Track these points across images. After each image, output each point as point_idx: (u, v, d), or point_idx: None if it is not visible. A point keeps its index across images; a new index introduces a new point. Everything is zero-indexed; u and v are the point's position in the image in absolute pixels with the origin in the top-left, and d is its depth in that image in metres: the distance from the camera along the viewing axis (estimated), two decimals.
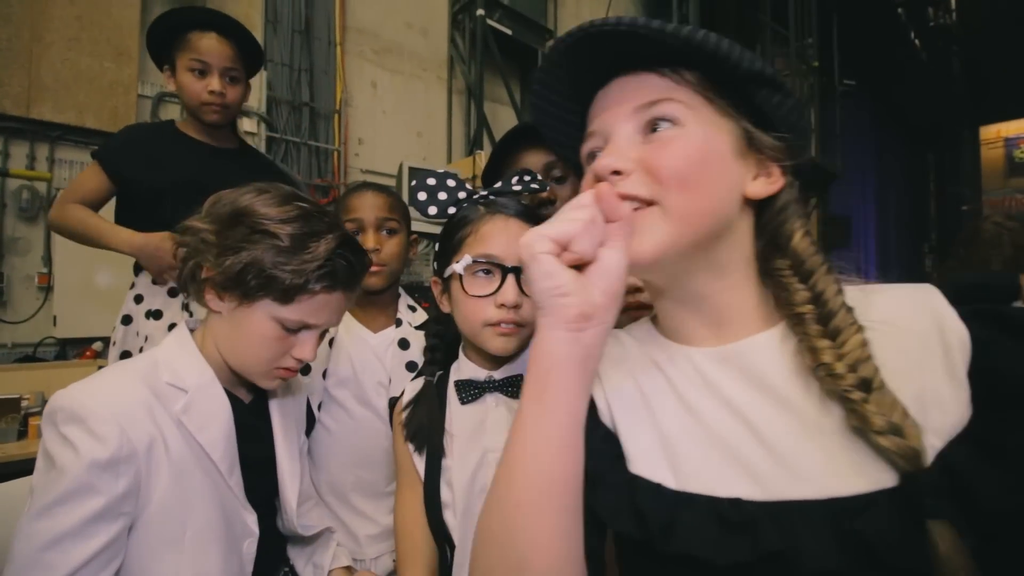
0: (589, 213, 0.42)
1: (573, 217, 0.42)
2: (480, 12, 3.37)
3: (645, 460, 0.50)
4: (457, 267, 0.77)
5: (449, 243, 0.82)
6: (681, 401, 0.50)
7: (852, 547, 0.39)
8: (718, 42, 0.44)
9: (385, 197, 1.14)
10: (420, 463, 0.84)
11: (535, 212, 0.83)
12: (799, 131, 0.50)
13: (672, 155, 0.46)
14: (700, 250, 0.48)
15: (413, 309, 1.22)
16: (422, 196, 0.83)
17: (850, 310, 0.46)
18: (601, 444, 0.52)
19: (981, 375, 0.42)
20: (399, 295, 1.21)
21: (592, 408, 0.53)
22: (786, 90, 0.48)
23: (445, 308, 0.85)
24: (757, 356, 0.48)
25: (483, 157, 3.09)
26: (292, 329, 0.77)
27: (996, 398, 0.41)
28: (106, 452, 0.63)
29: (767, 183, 0.49)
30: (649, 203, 0.46)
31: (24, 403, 1.76)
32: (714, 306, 0.51)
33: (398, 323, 1.16)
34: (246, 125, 2.64)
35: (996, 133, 9.31)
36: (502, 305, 0.75)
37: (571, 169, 1.16)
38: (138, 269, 1.36)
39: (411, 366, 1.12)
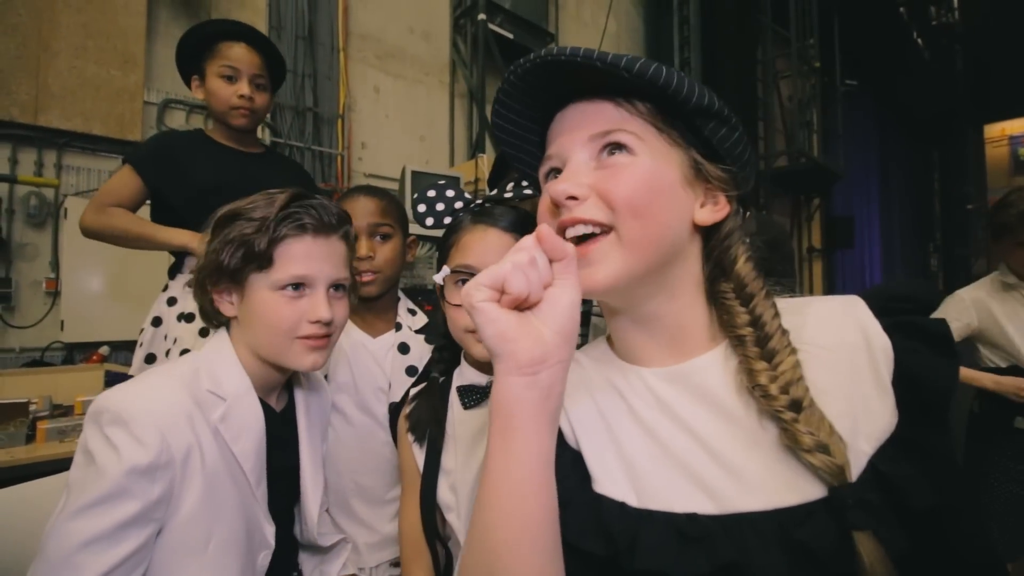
0: (527, 255, 0.42)
1: (505, 259, 0.42)
2: (482, 17, 3.39)
3: (609, 480, 0.51)
4: (437, 278, 0.80)
5: (442, 252, 0.85)
6: (638, 421, 0.52)
7: (798, 556, 0.42)
8: (668, 77, 0.46)
9: (377, 201, 1.13)
10: (421, 458, 0.85)
11: (526, 222, 0.84)
12: (744, 163, 0.53)
13: (623, 183, 0.48)
14: (653, 274, 0.50)
15: (413, 313, 1.21)
16: (421, 208, 0.85)
17: (785, 333, 0.48)
18: (569, 468, 0.53)
19: (903, 383, 0.45)
20: (398, 299, 1.21)
21: (559, 432, 0.54)
22: (732, 124, 0.50)
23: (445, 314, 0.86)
24: (704, 375, 0.51)
25: (485, 161, 3.10)
26: (292, 292, 0.77)
27: (917, 404, 0.44)
28: (147, 457, 0.64)
29: (713, 210, 0.52)
30: (604, 228, 0.48)
31: (32, 407, 1.78)
32: (667, 327, 0.53)
33: (397, 327, 1.16)
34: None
35: (1000, 131, 9.27)
36: None
37: None
38: (174, 272, 1.39)
39: (411, 370, 1.12)
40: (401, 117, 3.38)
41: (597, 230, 0.49)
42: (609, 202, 0.48)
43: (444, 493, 0.81)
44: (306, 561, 0.93)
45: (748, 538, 0.43)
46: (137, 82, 2.35)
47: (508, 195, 0.84)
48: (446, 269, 0.79)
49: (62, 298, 2.21)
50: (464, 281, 0.79)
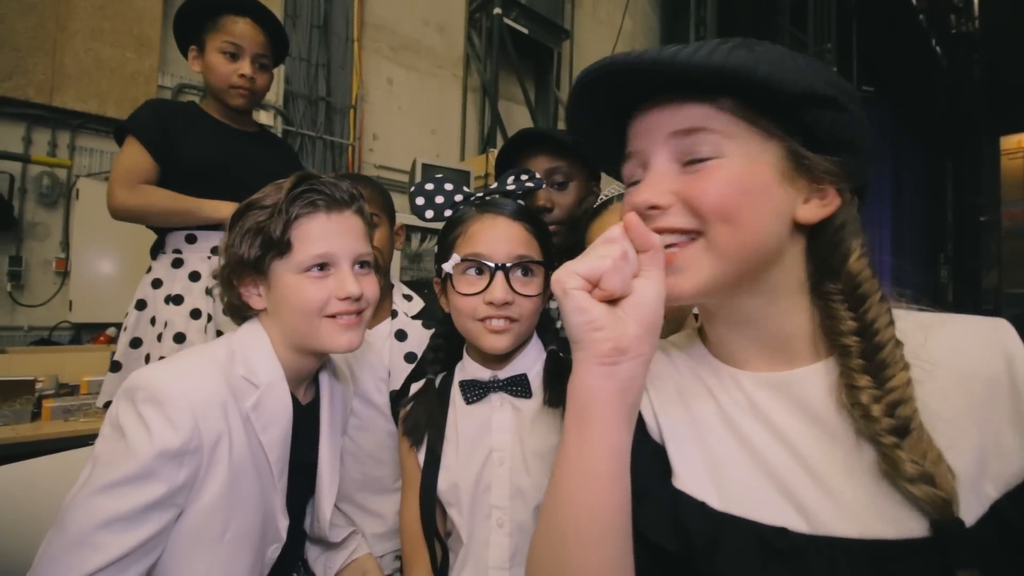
0: (619, 248, 0.41)
1: (602, 253, 0.41)
2: (497, 11, 3.37)
3: (690, 477, 0.50)
4: (447, 266, 0.79)
5: (444, 244, 0.83)
6: (729, 426, 0.50)
7: None
8: (754, 67, 0.41)
9: (362, 190, 1.12)
10: (421, 455, 0.84)
11: (530, 212, 0.84)
12: (856, 148, 0.46)
13: (711, 188, 0.44)
14: (747, 280, 0.46)
15: (409, 298, 1.21)
16: (420, 201, 0.84)
17: (899, 344, 0.43)
18: (649, 459, 0.52)
19: None
20: (392, 286, 1.19)
21: (641, 423, 0.54)
22: (841, 104, 0.44)
23: (446, 308, 0.85)
24: (807, 386, 0.47)
25: (496, 156, 3.09)
26: (318, 272, 0.76)
27: None
28: (177, 441, 0.63)
29: (819, 206, 0.46)
30: (692, 233, 0.45)
31: (38, 385, 1.80)
32: (766, 332, 0.49)
33: (393, 315, 1.15)
34: (263, 118, 2.66)
35: (1017, 143, 9.15)
36: (491, 303, 0.76)
37: (576, 174, 1.16)
38: (156, 252, 1.34)
39: (410, 357, 1.11)
40: (413, 109, 3.38)
41: (685, 238, 0.46)
42: (696, 210, 0.45)
43: (445, 489, 0.81)
44: (310, 550, 0.93)
45: (840, 564, 0.40)
46: (152, 66, 2.36)
47: (511, 188, 0.84)
48: (456, 257, 0.78)
49: (71, 278, 2.22)
50: (477, 270, 0.78)
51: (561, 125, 3.98)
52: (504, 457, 0.79)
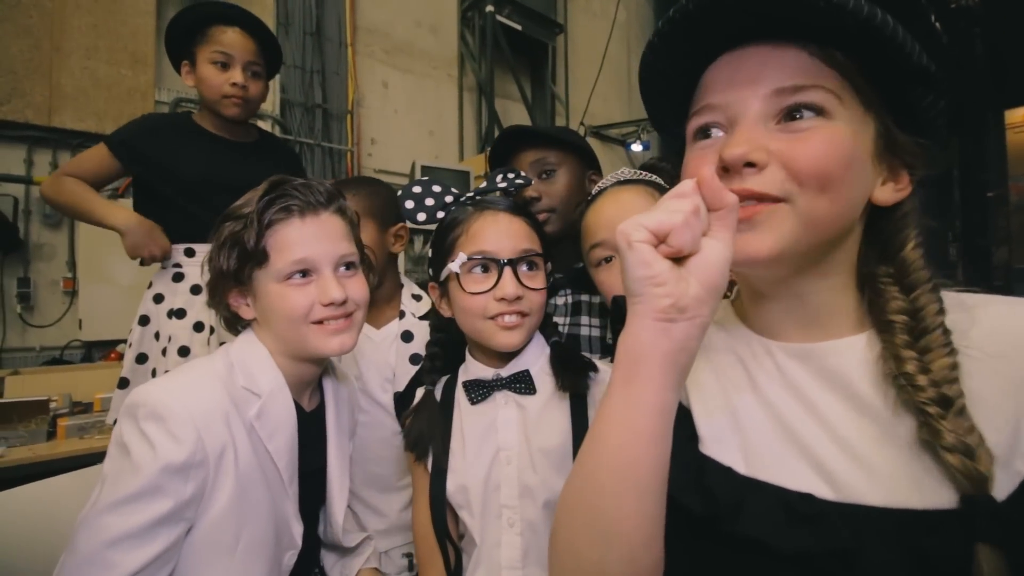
0: (691, 203, 0.38)
1: (674, 208, 0.38)
2: (489, 8, 3.36)
3: (716, 443, 0.50)
4: (453, 266, 0.78)
5: (442, 246, 0.83)
6: (758, 394, 0.49)
7: (915, 561, 0.39)
8: (895, 27, 0.38)
9: (347, 192, 1.13)
10: (429, 459, 0.84)
11: (525, 207, 0.84)
12: (940, 136, 0.46)
13: (817, 151, 0.41)
14: (816, 251, 0.45)
15: (418, 298, 1.20)
16: (409, 204, 0.83)
17: (947, 332, 0.43)
18: (678, 424, 0.50)
19: None
20: (401, 285, 1.19)
21: None
22: (941, 90, 0.42)
23: (445, 313, 0.85)
24: (840, 358, 0.46)
25: None
26: (300, 279, 0.75)
27: None
28: (181, 455, 0.63)
29: (895, 190, 0.45)
30: (780, 200, 0.42)
31: (52, 405, 1.81)
32: (809, 304, 0.48)
33: (401, 315, 1.15)
34: (261, 127, 2.66)
35: (1022, 116, 9.03)
36: (502, 299, 0.76)
37: (564, 162, 1.17)
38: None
39: (415, 358, 1.12)
40: (410, 112, 3.37)
41: (768, 203, 0.43)
42: (795, 172, 0.41)
43: (454, 492, 0.81)
44: (327, 557, 0.93)
45: (864, 530, 0.40)
46: (148, 81, 2.37)
47: (502, 186, 0.84)
48: (462, 256, 0.77)
49: (79, 297, 2.24)
50: (483, 268, 0.78)
51: (559, 120, 3.97)
52: (511, 456, 0.79)
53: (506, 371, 0.82)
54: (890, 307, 0.44)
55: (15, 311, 2.16)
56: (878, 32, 0.39)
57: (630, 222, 0.39)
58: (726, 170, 0.43)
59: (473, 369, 0.85)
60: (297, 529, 0.78)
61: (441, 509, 0.81)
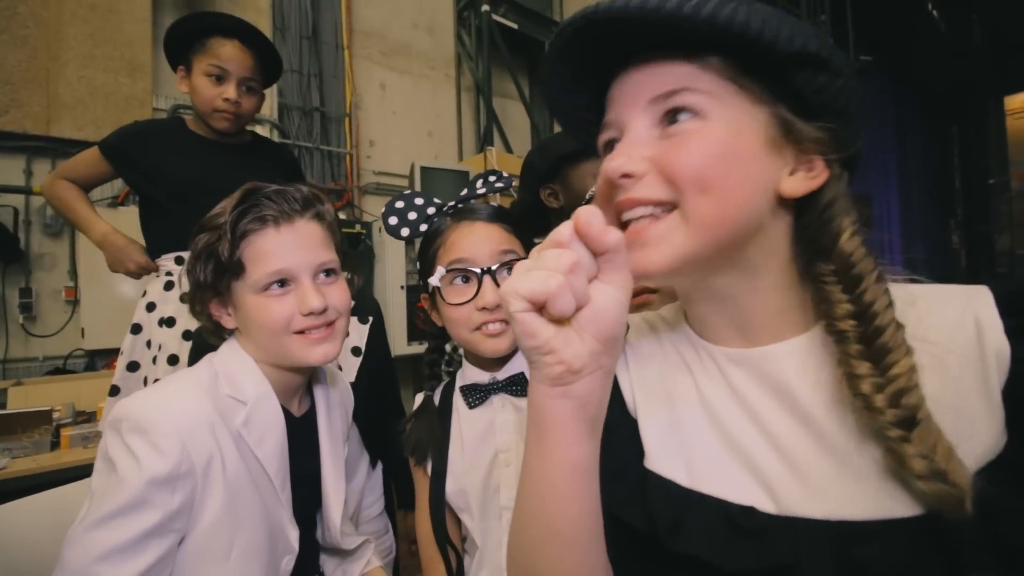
0: (568, 258, 0.35)
1: (551, 266, 0.35)
2: (485, 8, 3.35)
3: (660, 456, 0.49)
4: (433, 280, 0.78)
5: (425, 259, 0.83)
6: (704, 403, 0.48)
7: (849, 573, 0.38)
8: (746, 21, 0.38)
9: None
10: (429, 464, 0.85)
11: (506, 212, 0.83)
12: (848, 116, 0.43)
13: (690, 153, 0.41)
14: (723, 256, 0.43)
15: None
16: (393, 221, 0.82)
17: (900, 328, 0.40)
18: (627, 441, 0.51)
19: (1015, 400, 0.37)
20: None
21: (621, 401, 0.53)
22: (834, 68, 0.41)
23: (438, 323, 0.85)
24: (780, 364, 0.45)
25: (494, 154, 3.08)
26: (278, 289, 0.74)
27: None
28: (166, 467, 0.63)
29: (806, 179, 0.43)
30: (667, 206, 0.42)
31: (56, 414, 1.81)
32: (742, 308, 0.46)
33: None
34: (259, 133, 2.66)
35: (1022, 102, 8.99)
36: (484, 308, 0.76)
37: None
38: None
39: (355, 351, 1.19)
40: (408, 113, 3.37)
41: (659, 210, 0.42)
42: (671, 178, 0.41)
43: (454, 495, 0.81)
44: (327, 562, 0.93)
45: (803, 544, 0.40)
46: (145, 89, 2.37)
47: (481, 192, 0.83)
48: (441, 270, 0.78)
49: (81, 306, 2.24)
50: (464, 279, 0.78)
51: None
52: (510, 458, 0.79)
53: (502, 374, 0.83)
54: (836, 312, 0.42)
55: (17, 321, 2.15)
56: (728, 32, 0.38)
57: (508, 289, 0.37)
58: (613, 186, 0.44)
59: (470, 374, 0.86)
60: (293, 534, 0.77)
61: (441, 512, 0.81)
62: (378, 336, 1.27)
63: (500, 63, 3.50)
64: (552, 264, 0.35)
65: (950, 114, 9.43)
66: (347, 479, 1.11)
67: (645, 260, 0.42)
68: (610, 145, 0.47)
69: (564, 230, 0.36)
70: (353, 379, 1.17)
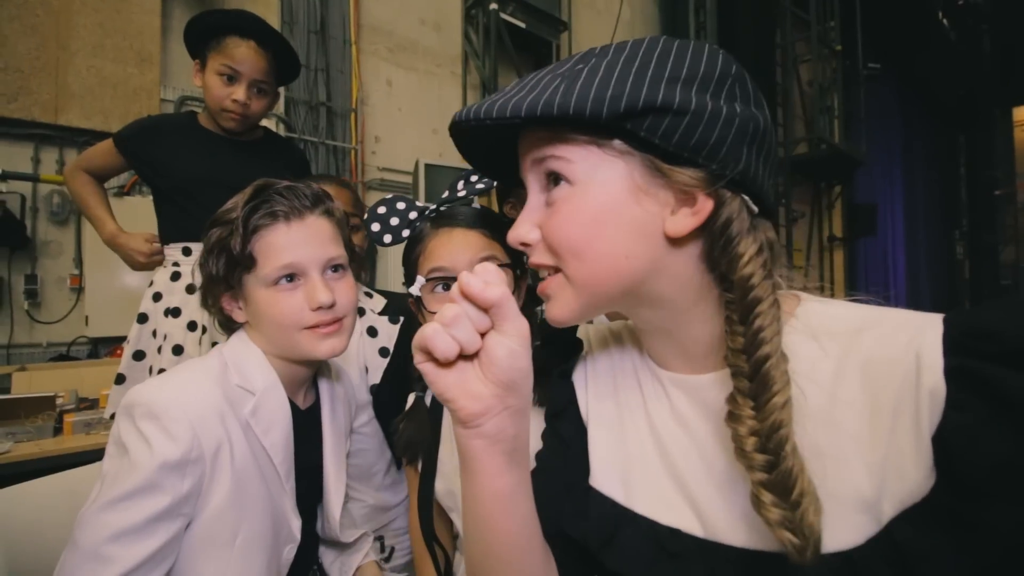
0: (451, 313, 0.39)
1: (437, 319, 0.40)
2: (493, 6, 3.36)
3: (603, 474, 0.52)
4: (414, 289, 0.79)
5: (408, 266, 0.83)
6: (650, 423, 0.51)
7: None
8: (563, 102, 0.40)
9: (348, 193, 1.16)
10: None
11: (487, 215, 0.83)
12: (712, 147, 0.41)
13: (561, 225, 0.45)
14: (628, 298, 0.46)
15: (370, 295, 1.26)
16: (375, 227, 0.82)
17: (783, 359, 0.40)
18: (579, 456, 0.54)
19: (942, 447, 0.35)
20: None
21: (578, 417, 0.56)
22: (676, 109, 0.40)
23: None
24: (714, 391, 0.46)
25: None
26: (287, 283, 0.75)
27: (957, 475, 0.34)
28: (177, 452, 0.64)
29: (689, 214, 0.42)
30: (554, 269, 0.47)
31: (59, 400, 1.83)
32: (678, 338, 0.49)
33: (361, 312, 1.20)
34: (265, 126, 2.67)
35: None
36: None
37: None
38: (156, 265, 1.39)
39: (383, 352, 1.18)
40: (414, 110, 3.38)
41: (551, 273, 0.48)
42: (551, 248, 0.46)
43: (443, 495, 0.82)
44: (326, 554, 0.94)
45: (720, 570, 0.42)
46: (154, 80, 2.38)
47: (461, 194, 0.83)
48: (420, 279, 0.78)
49: (86, 294, 2.26)
50: (444, 286, 0.78)
51: None
52: None
53: None
54: (731, 346, 0.42)
55: (22, 308, 2.17)
56: (545, 119, 0.41)
57: (412, 344, 0.42)
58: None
59: None
60: (295, 523, 0.79)
61: (428, 511, 0.82)
62: (409, 336, 1.28)
63: (507, 62, 3.50)
64: (438, 318, 0.40)
65: (957, 123, 9.39)
66: (366, 478, 1.13)
67: (551, 311, 0.48)
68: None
69: (453, 289, 0.41)
70: (378, 380, 1.16)
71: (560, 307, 0.47)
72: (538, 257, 0.47)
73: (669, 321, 0.48)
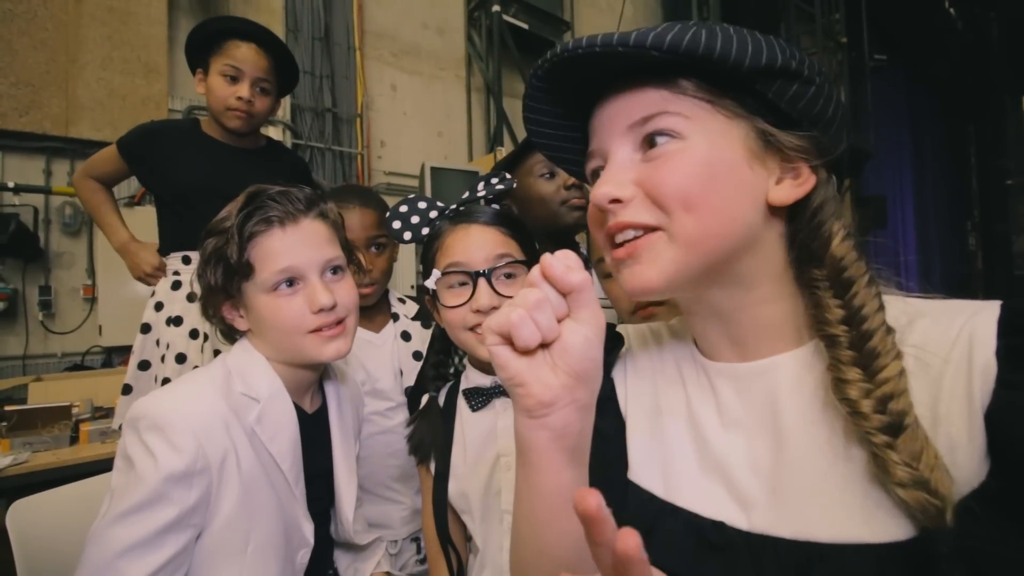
0: (534, 296, 0.38)
1: (518, 304, 0.38)
2: (496, 8, 3.36)
3: (642, 468, 0.51)
4: (429, 283, 0.79)
5: (426, 261, 0.84)
6: (691, 417, 0.50)
7: None
8: (709, 43, 0.39)
9: (372, 212, 1.16)
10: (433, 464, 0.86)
11: (505, 215, 0.83)
12: (827, 122, 0.44)
13: (673, 174, 0.41)
14: (718, 269, 0.44)
15: (403, 301, 1.27)
16: (396, 225, 0.83)
17: (890, 331, 0.40)
18: (619, 452, 0.53)
19: (994, 426, 0.35)
20: (387, 291, 1.26)
21: (617, 413, 0.55)
22: (806, 77, 0.41)
23: (442, 323, 0.86)
24: (771, 378, 0.45)
25: (504, 154, 3.09)
26: (287, 288, 0.75)
27: (1008, 456, 0.34)
28: (182, 463, 0.65)
29: (793, 186, 0.43)
30: (656, 229, 0.43)
31: (75, 410, 1.84)
32: (739, 322, 0.47)
33: (395, 318, 1.22)
34: (272, 134, 2.69)
35: None
36: (478, 310, 0.76)
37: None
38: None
39: (417, 355, 1.18)
40: (419, 114, 3.39)
41: (642, 233, 0.44)
42: (657, 199, 0.42)
43: (456, 497, 0.82)
44: (341, 558, 0.94)
45: (765, 563, 0.40)
46: (161, 90, 2.41)
47: (481, 194, 0.83)
48: (436, 273, 0.78)
49: (99, 304, 2.28)
50: (460, 282, 0.78)
51: None
52: (511, 462, 0.79)
53: None
54: (828, 317, 0.41)
55: (37, 319, 2.20)
56: (690, 56, 0.39)
57: (485, 325, 0.40)
58: (602, 211, 0.45)
59: (472, 377, 0.86)
60: (308, 528, 0.79)
61: (443, 513, 0.82)
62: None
63: (510, 63, 3.50)
64: (520, 301, 0.38)
65: (967, 114, 9.27)
66: (405, 480, 1.13)
67: (641, 275, 0.43)
68: (596, 173, 0.49)
69: (534, 272, 0.39)
70: (412, 383, 1.16)
71: (654, 269, 0.43)
72: (630, 215, 0.43)
73: (735, 301, 0.46)
